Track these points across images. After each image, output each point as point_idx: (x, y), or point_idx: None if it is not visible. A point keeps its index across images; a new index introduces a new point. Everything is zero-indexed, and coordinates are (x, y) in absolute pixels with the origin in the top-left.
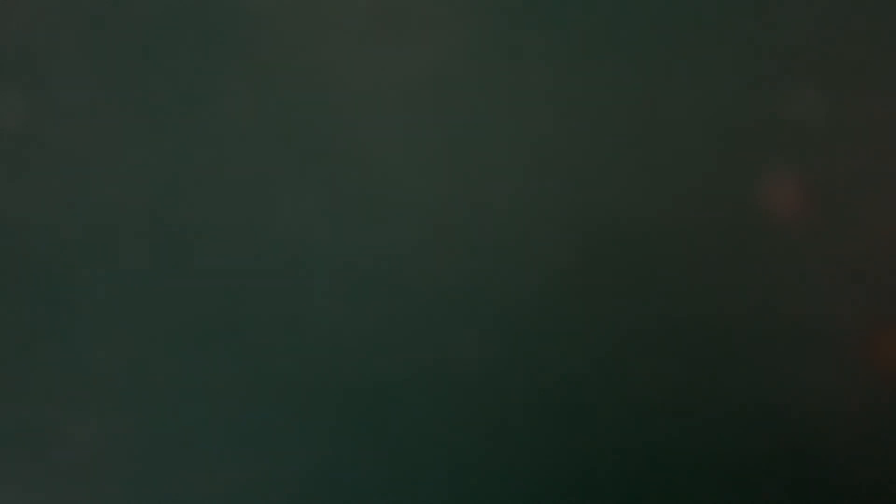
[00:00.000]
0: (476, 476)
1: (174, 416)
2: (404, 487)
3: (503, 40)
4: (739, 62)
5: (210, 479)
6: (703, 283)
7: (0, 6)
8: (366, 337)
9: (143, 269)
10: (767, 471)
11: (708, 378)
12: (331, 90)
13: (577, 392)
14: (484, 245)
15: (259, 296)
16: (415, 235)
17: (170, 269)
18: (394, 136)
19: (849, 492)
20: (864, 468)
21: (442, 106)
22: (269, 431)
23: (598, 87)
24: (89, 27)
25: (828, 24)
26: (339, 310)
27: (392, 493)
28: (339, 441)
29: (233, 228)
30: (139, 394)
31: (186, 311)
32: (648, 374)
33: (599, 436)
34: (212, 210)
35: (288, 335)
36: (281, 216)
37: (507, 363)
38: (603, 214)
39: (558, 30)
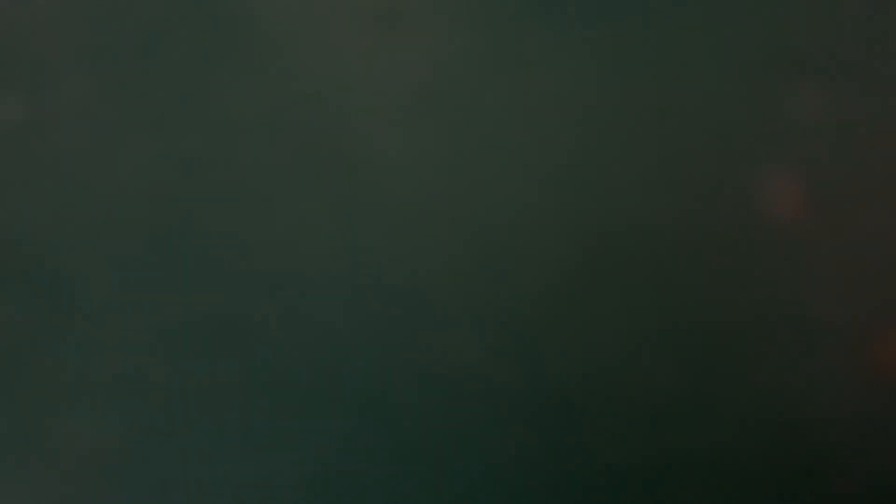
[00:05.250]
0: (476, 478)
1: (174, 416)
2: (405, 488)
3: (505, 43)
4: (740, 64)
5: (209, 479)
6: (703, 284)
7: (0, 6)
8: (366, 339)
9: (144, 269)
10: (769, 471)
11: (709, 380)
12: (333, 91)
13: (579, 395)
14: (485, 247)
15: (259, 296)
16: (416, 237)
17: (170, 269)
18: (395, 137)
19: (849, 492)
20: (865, 468)
21: (443, 108)
22: (269, 433)
23: (599, 89)
24: (89, 27)
25: (828, 24)
26: (339, 311)
27: (393, 494)
28: (339, 443)
29: (233, 229)
30: (139, 394)
31: (186, 311)
32: (649, 377)
33: (601, 439)
34: (212, 210)
35: (288, 336)
36: (281, 216)
37: (509, 366)
38: (604, 217)
39: (560, 32)
